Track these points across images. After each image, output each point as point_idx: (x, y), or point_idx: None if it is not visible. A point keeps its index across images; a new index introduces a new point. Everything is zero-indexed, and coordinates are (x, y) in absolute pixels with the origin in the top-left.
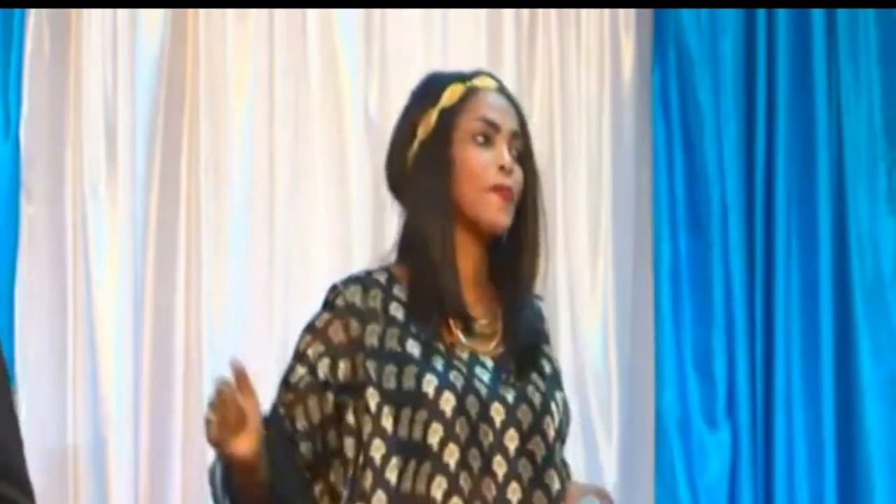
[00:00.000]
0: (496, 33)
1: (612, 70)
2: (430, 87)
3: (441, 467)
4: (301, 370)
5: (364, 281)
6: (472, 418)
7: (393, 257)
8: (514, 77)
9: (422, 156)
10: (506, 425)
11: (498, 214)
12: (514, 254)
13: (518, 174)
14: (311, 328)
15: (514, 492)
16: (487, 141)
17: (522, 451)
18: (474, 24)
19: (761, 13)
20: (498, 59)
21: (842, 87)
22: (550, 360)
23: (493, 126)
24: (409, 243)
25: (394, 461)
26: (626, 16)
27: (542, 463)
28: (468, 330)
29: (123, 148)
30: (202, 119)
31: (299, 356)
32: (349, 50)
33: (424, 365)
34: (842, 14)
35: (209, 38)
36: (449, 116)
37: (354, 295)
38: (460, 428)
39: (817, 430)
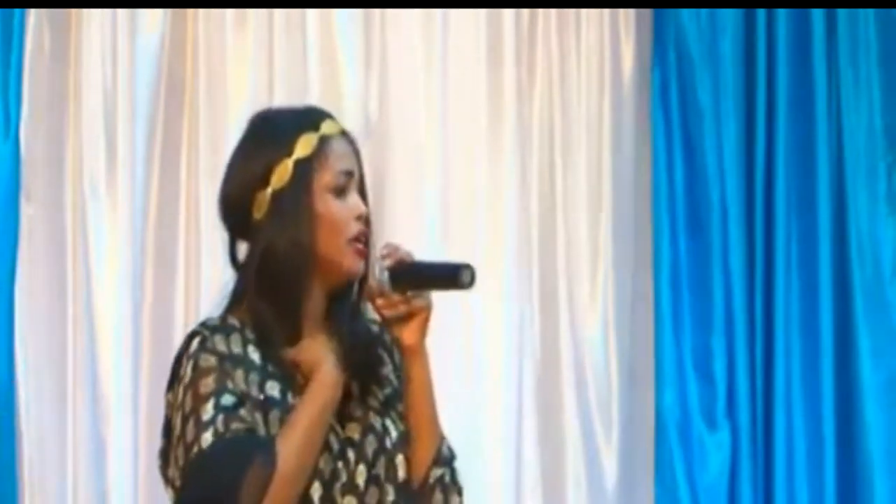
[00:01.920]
0: (496, 33)
1: (612, 70)
2: (280, 134)
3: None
4: (231, 397)
5: (222, 328)
6: (335, 454)
7: (224, 306)
8: (514, 77)
9: (279, 205)
10: (357, 462)
11: (358, 264)
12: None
13: (366, 212)
14: (201, 370)
15: None
16: (343, 192)
17: (371, 479)
18: (474, 24)
19: (761, 13)
20: (498, 60)
21: (842, 88)
22: (391, 379)
23: (349, 175)
24: (256, 284)
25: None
26: (626, 16)
27: (384, 482)
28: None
29: (123, 148)
30: (202, 119)
31: (216, 391)
32: (348, 49)
33: (284, 406)
34: (842, 14)
35: (209, 38)
36: (305, 169)
37: (219, 341)
38: (324, 463)
39: (817, 431)
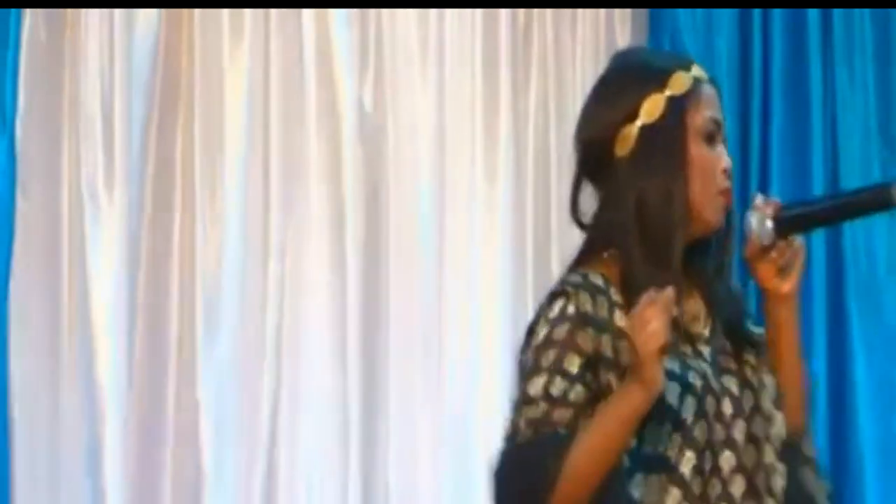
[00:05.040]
0: (492, 31)
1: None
2: (652, 68)
3: (676, 477)
4: (563, 383)
5: (589, 287)
6: (709, 417)
7: (578, 255)
8: (510, 76)
9: (650, 142)
10: (734, 417)
11: (720, 217)
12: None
13: (731, 167)
14: (549, 342)
15: (738, 486)
16: (712, 140)
17: (749, 437)
18: (470, 22)
19: (756, 11)
20: (493, 58)
21: (837, 85)
22: (754, 336)
23: (717, 125)
24: (623, 236)
25: (636, 477)
26: (622, 13)
27: (763, 442)
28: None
29: (119, 146)
30: (197, 116)
31: (551, 369)
32: (344, 48)
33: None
34: (837, 12)
35: (205, 35)
36: (679, 106)
37: (584, 302)
38: (699, 432)
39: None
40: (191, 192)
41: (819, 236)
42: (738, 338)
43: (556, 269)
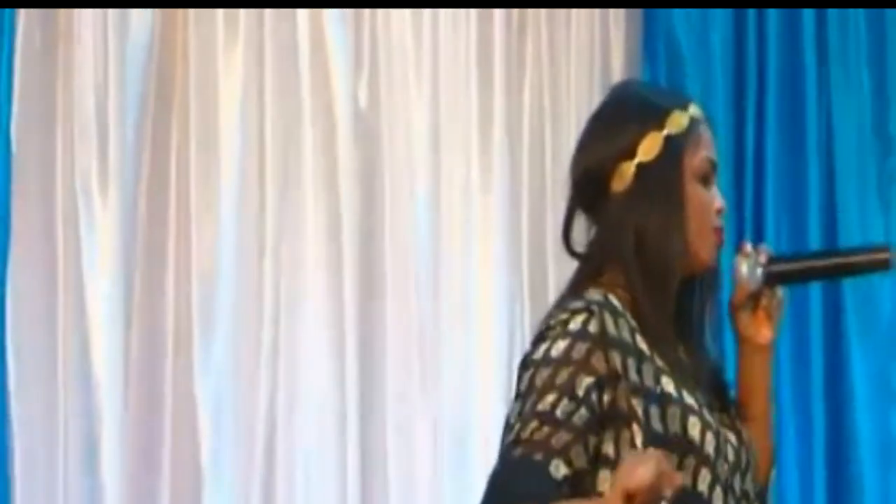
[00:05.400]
0: (486, 30)
1: (602, 66)
2: (650, 105)
3: None
4: (570, 405)
5: (611, 308)
6: (729, 460)
7: (575, 283)
8: (504, 75)
9: (646, 180)
10: (733, 470)
11: (714, 256)
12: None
13: (725, 208)
14: (568, 359)
15: None
16: (707, 181)
17: (743, 493)
18: (465, 22)
19: (751, 11)
20: (488, 58)
21: (832, 82)
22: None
23: (713, 165)
24: (624, 264)
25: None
26: (616, 15)
27: (753, 501)
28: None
29: (114, 145)
30: (192, 116)
31: (563, 389)
32: (339, 43)
33: (682, 403)
34: (832, 12)
35: (199, 34)
36: (677, 146)
37: (609, 323)
38: (720, 469)
39: (807, 427)
40: (185, 191)
41: (815, 233)
42: (720, 391)
43: (552, 268)
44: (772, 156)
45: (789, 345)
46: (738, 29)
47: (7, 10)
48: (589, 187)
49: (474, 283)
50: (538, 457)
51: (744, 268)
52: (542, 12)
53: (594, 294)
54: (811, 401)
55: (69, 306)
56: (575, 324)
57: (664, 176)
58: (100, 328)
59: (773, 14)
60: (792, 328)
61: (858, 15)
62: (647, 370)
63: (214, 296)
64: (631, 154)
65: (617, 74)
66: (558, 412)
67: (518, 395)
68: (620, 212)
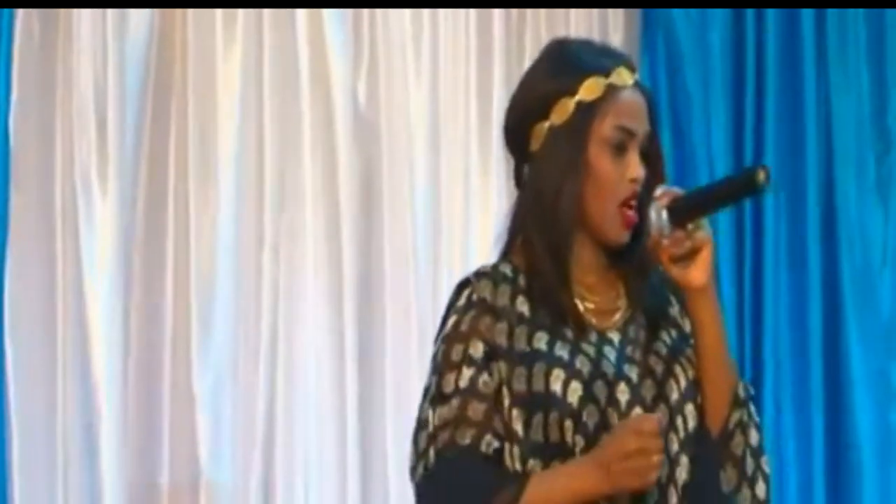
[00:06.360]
0: (485, 29)
1: None
2: (567, 68)
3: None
4: (470, 370)
5: (493, 276)
6: (601, 403)
7: (502, 245)
8: (504, 72)
9: (553, 144)
10: (630, 405)
11: (622, 233)
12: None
13: (642, 177)
14: (457, 334)
15: None
16: (621, 150)
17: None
18: (464, 20)
19: (750, 10)
20: (487, 55)
21: (831, 77)
22: (678, 323)
23: (629, 133)
24: (532, 223)
25: (530, 464)
26: (615, 15)
27: (665, 431)
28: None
29: (112, 139)
30: (191, 109)
31: (460, 361)
32: (338, 40)
33: (550, 358)
34: (831, 11)
35: (198, 27)
36: (586, 114)
37: (485, 290)
38: (588, 416)
39: (806, 423)
40: (184, 191)
41: (814, 227)
42: (656, 328)
43: None
44: (771, 154)
45: (789, 344)
46: (738, 28)
47: (6, 10)
48: (514, 144)
49: None
50: (465, 440)
51: (652, 214)
52: (542, 12)
53: (484, 267)
54: (811, 400)
55: (68, 304)
56: (460, 299)
57: (569, 140)
58: (99, 327)
59: (772, 14)
60: (792, 328)
61: (858, 15)
62: (520, 332)
63: (213, 294)
64: (545, 116)
65: None
66: (461, 383)
67: (424, 391)
68: (531, 171)
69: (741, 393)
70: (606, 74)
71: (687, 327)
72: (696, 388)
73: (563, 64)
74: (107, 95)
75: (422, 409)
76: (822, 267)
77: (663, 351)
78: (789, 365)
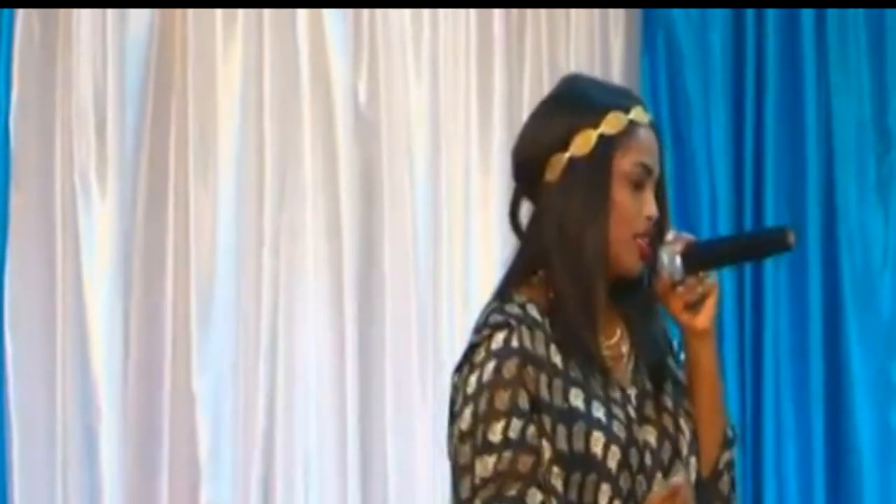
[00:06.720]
0: (486, 29)
1: (602, 63)
2: (589, 102)
3: None
4: (519, 422)
5: (526, 321)
6: (633, 469)
7: (509, 274)
8: (504, 74)
9: (576, 177)
10: (653, 470)
11: (637, 263)
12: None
13: (656, 216)
14: (502, 381)
15: None
16: (639, 187)
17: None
18: (465, 20)
19: (750, 11)
20: (488, 55)
21: (831, 78)
22: (674, 373)
23: (647, 171)
24: (550, 265)
25: None
26: (616, 15)
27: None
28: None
29: (112, 139)
30: (191, 109)
31: (506, 411)
32: (338, 38)
33: (589, 419)
34: (831, 11)
35: (198, 27)
36: (608, 147)
37: (525, 337)
38: (623, 482)
39: (806, 423)
40: (184, 190)
41: (814, 228)
42: (659, 378)
43: None
44: (771, 154)
45: (789, 344)
46: (738, 29)
47: (6, 10)
48: (526, 175)
49: (474, 280)
50: (511, 492)
51: (664, 257)
52: (542, 12)
53: (513, 307)
54: (811, 399)
55: (68, 304)
56: (496, 343)
57: (592, 172)
58: (99, 327)
59: (772, 14)
60: (792, 328)
61: (858, 15)
62: (557, 386)
63: (213, 293)
64: (564, 147)
65: (616, 74)
66: (511, 434)
67: (463, 434)
68: (548, 202)
69: (729, 433)
70: (627, 111)
71: (681, 376)
72: (696, 440)
73: (582, 97)
74: (106, 95)
75: (460, 452)
76: (822, 267)
77: (669, 404)
78: (789, 365)
